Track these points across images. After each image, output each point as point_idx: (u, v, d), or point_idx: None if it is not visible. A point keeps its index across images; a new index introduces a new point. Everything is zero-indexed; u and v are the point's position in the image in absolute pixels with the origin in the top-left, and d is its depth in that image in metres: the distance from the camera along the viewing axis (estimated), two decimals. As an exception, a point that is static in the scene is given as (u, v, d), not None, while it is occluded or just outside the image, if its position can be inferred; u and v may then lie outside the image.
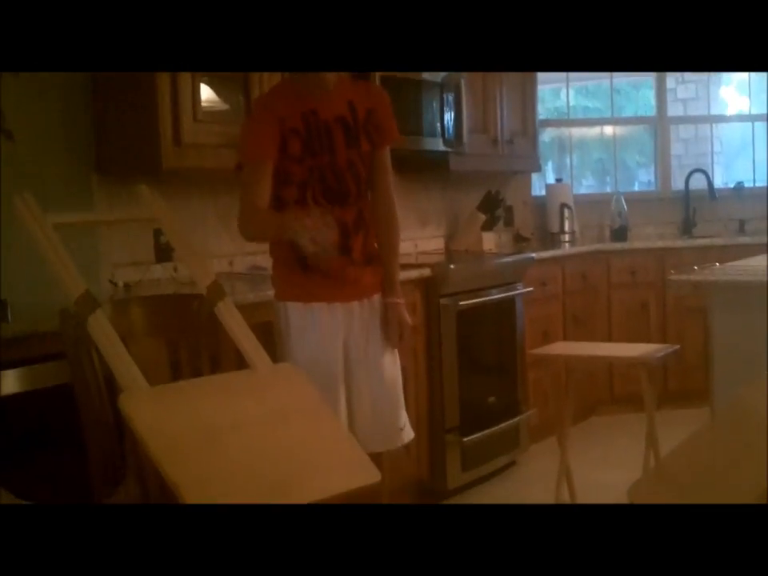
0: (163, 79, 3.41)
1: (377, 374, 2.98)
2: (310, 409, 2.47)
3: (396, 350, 3.04)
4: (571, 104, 6.92)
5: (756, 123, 6.84)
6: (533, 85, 5.73)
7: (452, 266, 4.40)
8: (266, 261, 4.07)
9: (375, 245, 3.01)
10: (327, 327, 2.90)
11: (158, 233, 3.61)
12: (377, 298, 3.01)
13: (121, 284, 3.40)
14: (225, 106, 3.57)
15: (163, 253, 3.63)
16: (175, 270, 3.60)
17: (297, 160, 2.85)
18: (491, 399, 4.63)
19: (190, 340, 2.72)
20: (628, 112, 7.61)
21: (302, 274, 2.90)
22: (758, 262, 4.19)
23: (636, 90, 7.83)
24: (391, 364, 3.03)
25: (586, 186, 7.42)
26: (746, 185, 6.64)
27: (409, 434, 3.08)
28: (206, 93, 3.57)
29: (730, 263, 4.19)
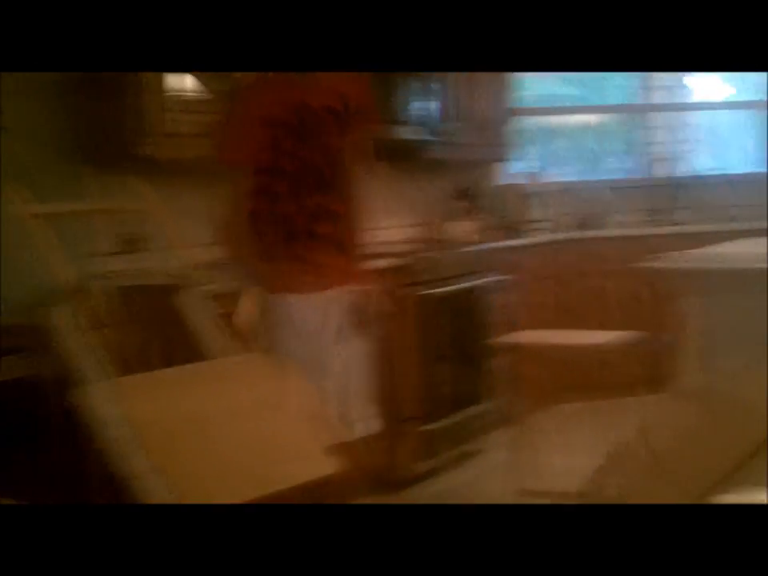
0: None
1: (350, 364, 3.00)
2: (272, 399, 2.49)
3: (362, 340, 3.06)
4: (555, 92, 6.93)
5: (738, 111, 6.89)
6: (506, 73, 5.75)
7: (420, 254, 4.42)
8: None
9: (363, 232, 3.03)
10: (305, 316, 2.91)
11: (122, 223, 3.59)
12: (354, 286, 3.02)
13: (85, 275, 3.37)
14: (211, 96, 3.55)
15: (128, 243, 3.61)
16: (141, 260, 3.59)
17: (290, 154, 2.85)
18: (453, 387, 4.65)
19: (159, 330, 2.72)
20: (610, 99, 7.62)
21: (290, 264, 2.91)
22: (727, 248, 4.22)
23: (615, 76, 7.84)
24: (364, 354, 3.04)
25: (562, 173, 7.43)
26: (728, 172, 6.66)
27: (371, 426, 3.10)
28: (193, 83, 3.59)
29: (699, 250, 4.22)
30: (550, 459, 4.42)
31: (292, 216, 2.88)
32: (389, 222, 5.25)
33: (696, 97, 7.12)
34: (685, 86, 7.16)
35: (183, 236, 3.70)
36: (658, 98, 6.88)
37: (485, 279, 4.83)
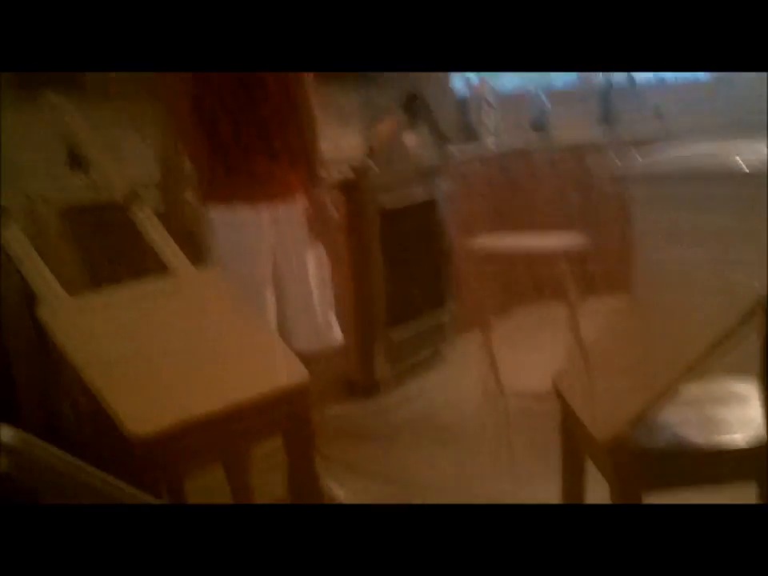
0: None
1: (305, 274, 2.99)
2: (234, 310, 2.48)
3: (324, 251, 3.05)
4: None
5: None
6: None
7: (373, 165, 4.38)
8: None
9: (298, 144, 2.99)
10: (253, 228, 2.89)
11: (70, 141, 3.51)
12: (302, 197, 3.00)
13: (35, 195, 3.31)
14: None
15: (76, 160, 3.54)
16: (89, 179, 3.51)
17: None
18: (416, 294, 4.67)
19: (107, 247, 2.69)
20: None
21: (227, 175, 2.87)
22: (677, 152, 4.24)
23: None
24: (319, 264, 3.03)
25: (508, 81, 7.38)
26: (666, 77, 6.65)
27: (337, 336, 3.10)
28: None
29: (649, 153, 4.24)
30: (513, 360, 4.48)
31: (219, 123, 2.85)
32: (339, 132, 5.19)
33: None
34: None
35: (118, 152, 3.68)
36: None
37: (439, 188, 4.81)
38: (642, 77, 6.64)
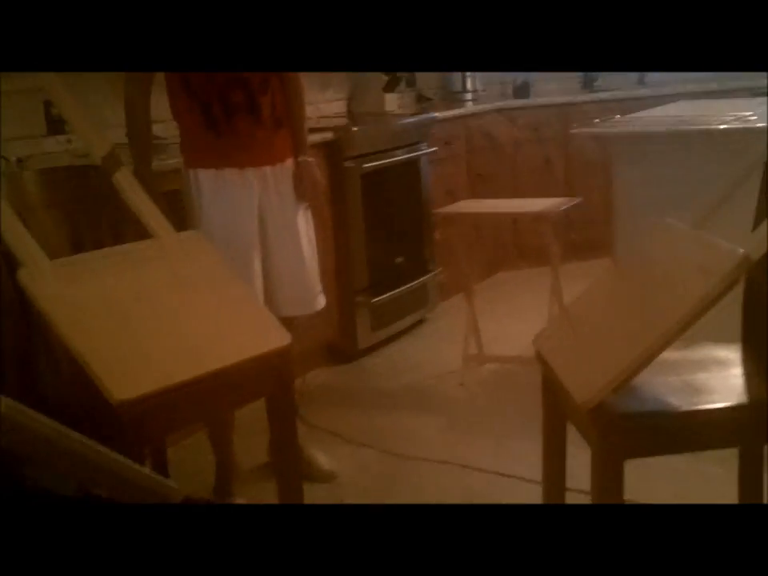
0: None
1: (292, 239, 2.98)
2: (216, 275, 2.47)
3: (310, 216, 3.05)
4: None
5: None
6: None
7: (354, 129, 4.36)
8: (162, 130, 4.01)
9: (284, 109, 2.97)
10: (240, 193, 2.88)
11: (48, 104, 3.48)
12: (289, 162, 2.98)
13: (13, 159, 3.29)
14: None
15: (55, 125, 3.51)
16: (69, 142, 3.49)
17: None
18: (399, 259, 4.67)
19: (88, 212, 2.67)
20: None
21: (213, 136, 2.85)
22: (657, 113, 4.25)
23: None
24: (306, 229, 3.03)
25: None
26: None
27: (321, 301, 3.11)
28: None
29: (630, 115, 4.24)
30: (495, 325, 4.50)
31: (203, 86, 2.83)
32: (320, 97, 5.16)
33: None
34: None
35: (98, 117, 3.65)
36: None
37: (422, 151, 4.79)
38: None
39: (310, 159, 3.02)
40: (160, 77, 2.88)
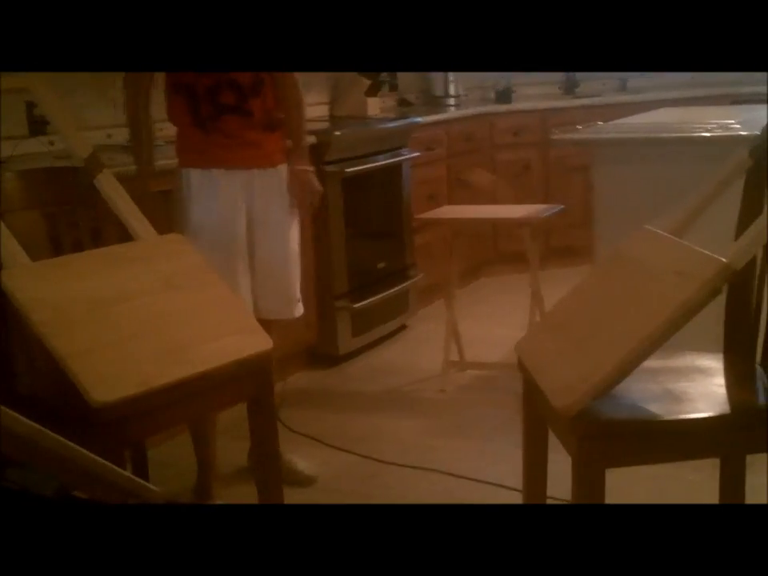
0: None
1: (279, 244, 2.98)
2: (198, 277, 2.46)
3: (297, 221, 3.05)
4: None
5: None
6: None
7: (336, 133, 4.36)
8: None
9: (278, 113, 2.96)
10: (226, 193, 2.87)
11: (30, 105, 3.47)
12: (282, 167, 2.98)
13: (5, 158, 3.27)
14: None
15: (37, 126, 3.50)
16: (51, 143, 3.47)
17: None
18: (380, 264, 4.67)
19: (69, 214, 2.65)
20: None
21: (203, 136, 2.86)
22: (638, 119, 4.26)
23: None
24: (293, 234, 3.03)
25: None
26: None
27: (300, 308, 3.10)
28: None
29: (612, 122, 4.25)
30: (476, 331, 4.51)
31: (193, 86, 2.83)
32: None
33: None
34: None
35: (81, 118, 3.64)
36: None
37: (403, 156, 4.79)
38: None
39: (308, 168, 3.02)
40: (161, 77, 2.88)
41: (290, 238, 3.01)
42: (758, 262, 2.14)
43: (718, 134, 3.45)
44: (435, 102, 6.06)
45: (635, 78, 6.39)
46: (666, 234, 2.25)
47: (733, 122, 3.60)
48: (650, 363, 1.94)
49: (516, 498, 2.47)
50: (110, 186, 2.58)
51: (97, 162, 2.59)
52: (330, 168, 4.24)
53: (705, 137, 3.44)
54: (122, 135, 3.92)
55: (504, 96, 6.12)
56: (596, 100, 5.99)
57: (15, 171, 2.79)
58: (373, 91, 5.37)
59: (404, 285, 4.79)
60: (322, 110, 5.34)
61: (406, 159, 4.82)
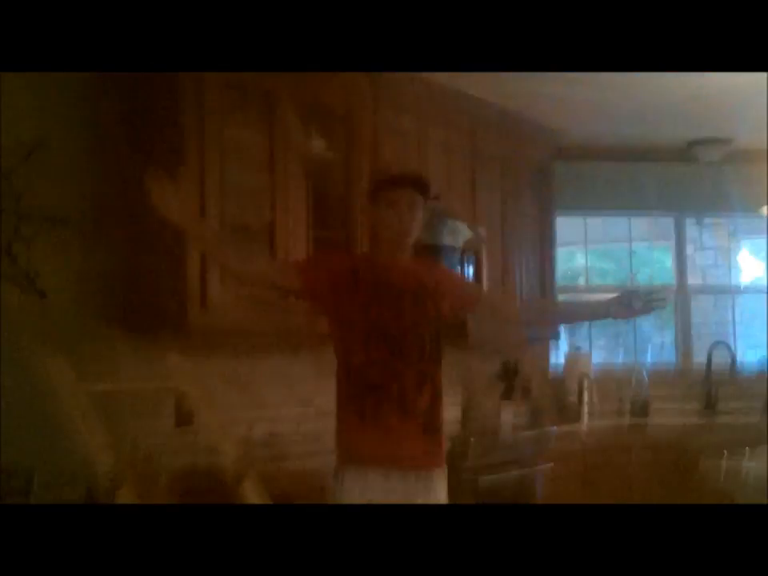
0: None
1: None
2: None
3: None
4: (587, 265, 6.90)
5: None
6: (550, 246, 5.73)
7: (472, 440, 4.29)
8: (282, 427, 4.02)
9: (441, 415, 2.95)
10: (381, 495, 2.78)
11: (180, 396, 3.52)
12: (438, 471, 2.92)
13: (141, 449, 3.29)
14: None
15: (184, 417, 3.53)
16: (195, 434, 3.49)
17: (361, 306, 2.83)
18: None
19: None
20: (644, 276, 7.60)
21: (360, 428, 2.82)
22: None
23: (651, 252, 7.87)
24: None
25: (601, 350, 7.34)
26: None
27: None
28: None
29: (759, 448, 4.08)
30: None
31: (365, 376, 2.82)
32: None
33: (737, 280, 7.09)
34: (725, 267, 7.18)
35: (227, 409, 3.69)
36: (695, 278, 6.83)
37: (536, 467, 4.66)
38: (743, 363, 6.51)
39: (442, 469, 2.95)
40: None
41: None
42: None
43: None
44: (569, 409, 5.95)
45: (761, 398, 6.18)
46: None
47: None
48: None
49: None
50: (255, 493, 2.55)
51: (245, 466, 2.58)
52: (463, 476, 4.14)
53: None
54: (261, 429, 3.96)
55: (641, 409, 5.98)
56: (737, 419, 5.81)
57: (166, 471, 2.80)
58: (507, 395, 5.34)
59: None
60: (455, 412, 5.29)
61: (540, 470, 4.68)
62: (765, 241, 6.66)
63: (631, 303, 3.02)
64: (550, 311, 3.61)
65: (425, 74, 4.40)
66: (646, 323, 7.29)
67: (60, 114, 3.41)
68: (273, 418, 4.00)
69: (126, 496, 2.32)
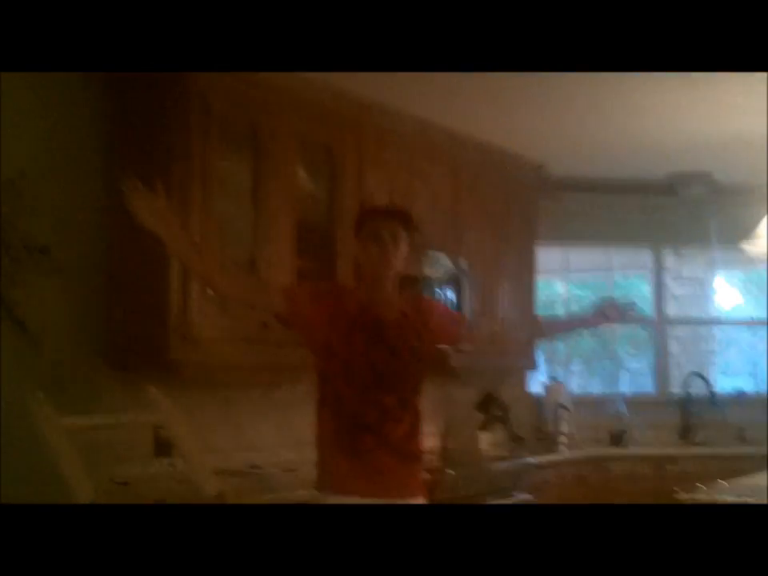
0: (174, 271, 3.42)
1: None
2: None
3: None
4: (568, 295, 6.94)
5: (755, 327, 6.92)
6: (531, 278, 5.78)
7: (450, 471, 4.30)
8: (262, 458, 4.02)
9: (420, 444, 2.96)
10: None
11: (158, 427, 3.52)
12: (418, 501, 2.91)
13: (118, 480, 3.29)
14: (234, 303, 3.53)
15: (162, 447, 3.54)
16: (172, 465, 3.49)
17: (343, 335, 2.84)
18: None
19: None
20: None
21: (339, 457, 2.82)
22: (760, 480, 4.10)
23: (628, 282, 7.92)
24: None
25: (576, 375, 7.35)
26: (746, 390, 6.58)
27: None
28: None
29: (734, 480, 4.09)
30: None
31: (346, 405, 2.83)
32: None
33: (714, 310, 7.16)
34: (702, 298, 7.25)
35: (207, 443, 3.70)
36: (673, 308, 6.89)
37: (513, 499, 4.67)
38: (721, 390, 6.56)
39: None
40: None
41: None
42: None
43: None
44: (546, 439, 5.98)
45: (754, 428, 6.24)
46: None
47: None
48: None
49: None
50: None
51: (221, 502, 2.58)
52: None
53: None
54: (239, 460, 3.96)
55: (618, 438, 6.01)
56: (715, 450, 5.85)
57: (146, 505, 2.80)
58: (485, 426, 5.36)
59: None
60: (434, 441, 5.29)
61: (517, 502, 4.69)
62: (741, 272, 6.75)
63: (607, 311, 3.14)
64: (536, 327, 3.67)
65: (408, 108, 4.45)
66: (623, 351, 7.34)
67: (41, 142, 3.42)
68: (252, 448, 4.00)
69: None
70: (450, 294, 4.80)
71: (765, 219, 5.06)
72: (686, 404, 6.35)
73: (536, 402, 6.19)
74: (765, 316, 6.86)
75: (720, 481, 4.06)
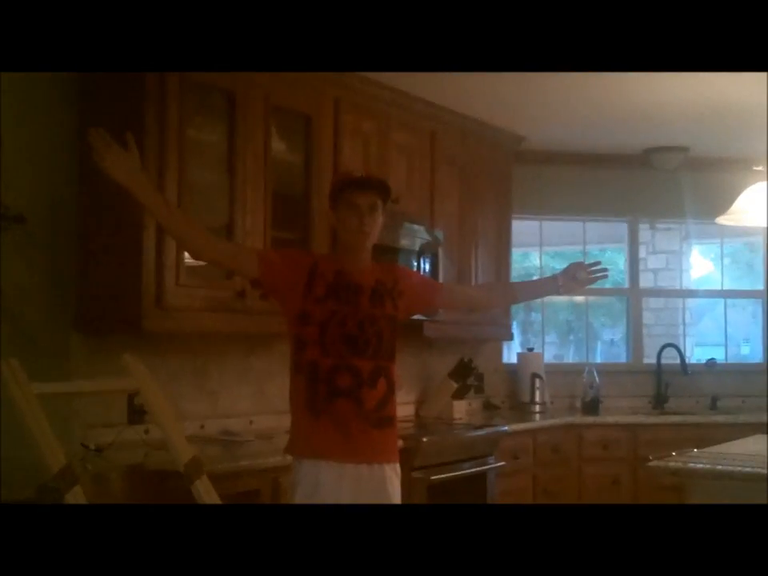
0: (149, 239, 3.42)
1: None
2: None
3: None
4: (542, 266, 6.97)
5: (728, 299, 7.00)
6: (507, 249, 5.81)
7: (424, 439, 4.33)
8: (238, 425, 4.05)
9: (395, 410, 2.99)
10: (333, 491, 2.82)
11: (131, 394, 3.54)
12: (391, 467, 2.95)
13: (92, 447, 3.31)
14: (209, 270, 3.54)
15: (136, 415, 3.56)
16: (146, 432, 3.52)
17: (319, 300, 2.86)
18: None
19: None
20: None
21: (313, 422, 2.85)
22: (734, 448, 4.16)
23: (604, 254, 7.98)
24: None
25: (552, 345, 7.40)
26: (718, 360, 6.67)
27: None
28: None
29: (708, 449, 4.16)
30: None
31: (321, 371, 2.85)
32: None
33: (688, 282, 7.23)
34: (676, 270, 7.31)
35: (183, 411, 3.72)
36: (648, 280, 6.94)
37: (489, 465, 4.72)
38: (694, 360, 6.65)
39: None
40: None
41: None
42: None
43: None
44: (521, 408, 6.04)
45: (726, 398, 6.32)
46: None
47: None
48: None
49: None
50: (207, 494, 2.58)
51: (197, 468, 2.61)
52: (416, 474, 4.18)
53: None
54: (214, 426, 3.99)
55: (592, 407, 6.07)
56: (686, 418, 5.91)
57: (117, 470, 2.82)
58: (460, 394, 5.39)
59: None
60: (408, 410, 5.35)
61: (493, 468, 4.74)
62: (715, 245, 6.80)
63: (576, 275, 3.17)
64: (509, 291, 3.68)
65: (387, 79, 4.45)
66: (597, 323, 7.41)
67: (16, 112, 3.40)
68: (228, 416, 4.04)
69: (77, 495, 2.34)
70: (426, 265, 4.81)
71: (741, 193, 5.09)
72: (659, 374, 6.43)
73: (510, 371, 6.25)
74: (737, 288, 6.94)
75: (694, 450, 4.13)
